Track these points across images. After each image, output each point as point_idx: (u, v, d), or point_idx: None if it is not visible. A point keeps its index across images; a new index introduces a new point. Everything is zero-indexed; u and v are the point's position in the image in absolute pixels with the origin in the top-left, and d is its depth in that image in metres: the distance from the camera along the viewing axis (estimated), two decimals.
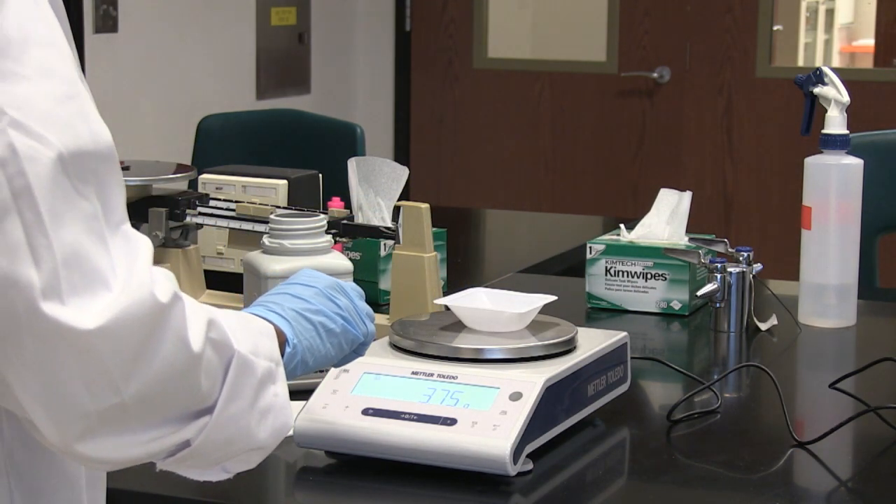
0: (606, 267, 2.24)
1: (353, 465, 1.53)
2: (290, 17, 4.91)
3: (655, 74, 5.07)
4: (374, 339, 1.41)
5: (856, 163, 2.16)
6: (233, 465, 1.20)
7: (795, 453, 1.61)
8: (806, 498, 1.57)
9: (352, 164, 2.06)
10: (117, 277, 1.01)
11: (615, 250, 2.23)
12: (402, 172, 2.05)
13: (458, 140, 5.37)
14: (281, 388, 1.18)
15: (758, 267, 2.14)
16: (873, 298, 2.47)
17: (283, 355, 1.23)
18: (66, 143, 1.00)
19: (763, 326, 2.13)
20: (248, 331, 1.16)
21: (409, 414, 1.50)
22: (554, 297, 1.68)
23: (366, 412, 1.51)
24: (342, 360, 1.36)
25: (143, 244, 1.06)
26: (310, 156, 3.31)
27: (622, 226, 2.28)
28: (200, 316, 1.08)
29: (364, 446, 1.50)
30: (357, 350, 1.37)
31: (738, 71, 4.98)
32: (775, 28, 5.01)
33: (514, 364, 1.56)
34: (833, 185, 2.16)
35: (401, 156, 5.35)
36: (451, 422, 1.48)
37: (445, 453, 1.47)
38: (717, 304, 2.13)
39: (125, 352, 1.01)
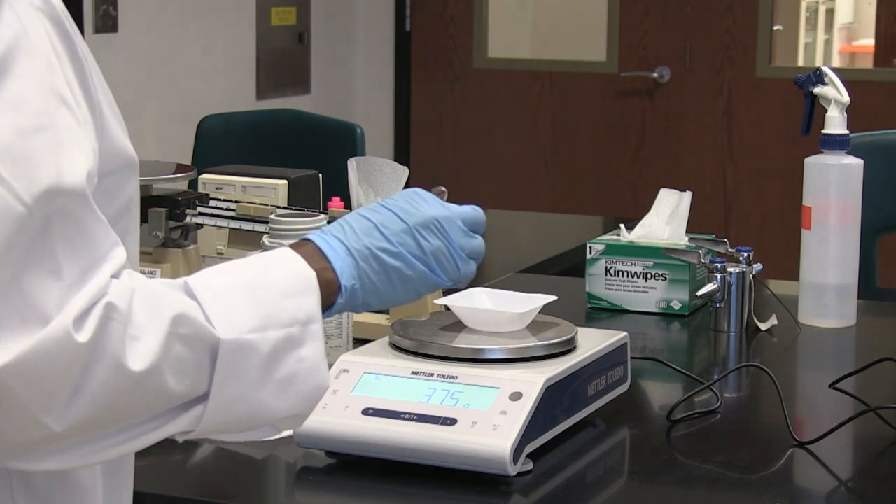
0: (606, 267, 2.23)
1: (353, 465, 1.53)
2: (290, 17, 4.91)
3: (655, 74, 5.07)
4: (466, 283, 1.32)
5: (856, 163, 2.16)
6: (280, 424, 1.15)
7: (795, 453, 1.61)
8: (806, 498, 1.57)
9: (352, 164, 2.05)
10: (60, 314, 0.98)
11: (615, 250, 2.23)
12: (402, 172, 2.04)
13: (458, 140, 5.37)
14: (309, 350, 1.13)
15: (758, 267, 2.14)
16: (873, 298, 2.47)
17: (336, 300, 1.20)
18: (29, 178, 0.97)
19: (763, 326, 2.13)
20: (256, 303, 1.11)
21: (409, 414, 1.50)
22: (554, 297, 1.68)
23: (366, 412, 1.51)
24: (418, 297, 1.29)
25: (99, 280, 1.01)
26: (310, 156, 3.31)
27: (622, 226, 2.28)
28: (158, 321, 1.03)
29: (364, 446, 1.50)
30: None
31: (738, 71, 4.97)
32: (775, 28, 5.01)
33: (514, 364, 1.56)
34: (833, 185, 2.15)
35: (401, 156, 5.35)
36: (451, 422, 1.48)
37: (445, 453, 1.46)
38: (717, 304, 2.13)
39: (43, 390, 0.98)
